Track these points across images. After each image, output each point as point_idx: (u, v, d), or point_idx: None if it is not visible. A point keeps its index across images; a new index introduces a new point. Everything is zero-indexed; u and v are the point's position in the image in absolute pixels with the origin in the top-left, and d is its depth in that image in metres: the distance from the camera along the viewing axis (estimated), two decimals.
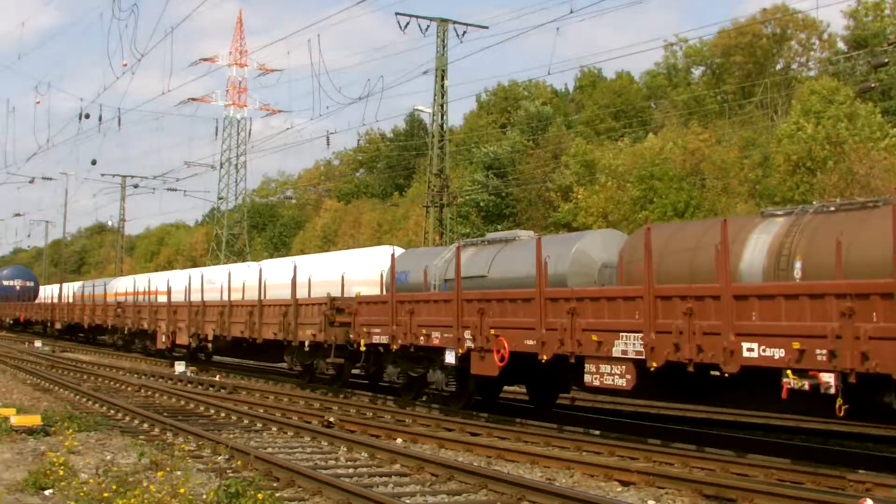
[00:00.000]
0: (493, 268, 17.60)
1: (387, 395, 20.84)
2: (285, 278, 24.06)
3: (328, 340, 20.78)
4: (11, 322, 60.75)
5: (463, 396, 17.85)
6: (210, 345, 29.11)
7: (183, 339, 30.57)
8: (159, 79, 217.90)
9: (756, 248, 13.36)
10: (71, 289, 52.93)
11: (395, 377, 19.29)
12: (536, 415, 17.25)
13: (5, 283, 65.75)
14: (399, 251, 22.46)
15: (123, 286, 41.97)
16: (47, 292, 60.58)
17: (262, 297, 25.01)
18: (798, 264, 12.85)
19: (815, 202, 14.22)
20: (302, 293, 23.02)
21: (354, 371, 21.96)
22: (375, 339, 18.98)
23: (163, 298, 33.45)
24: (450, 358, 16.74)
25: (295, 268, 23.68)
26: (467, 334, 16.19)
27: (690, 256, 13.76)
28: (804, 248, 12.81)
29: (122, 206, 76.99)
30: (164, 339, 32.21)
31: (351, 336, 19.89)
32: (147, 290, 35.93)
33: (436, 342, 17.11)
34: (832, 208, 13.42)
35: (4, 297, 63.28)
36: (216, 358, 32.25)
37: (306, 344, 22.06)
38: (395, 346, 18.20)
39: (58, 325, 50.04)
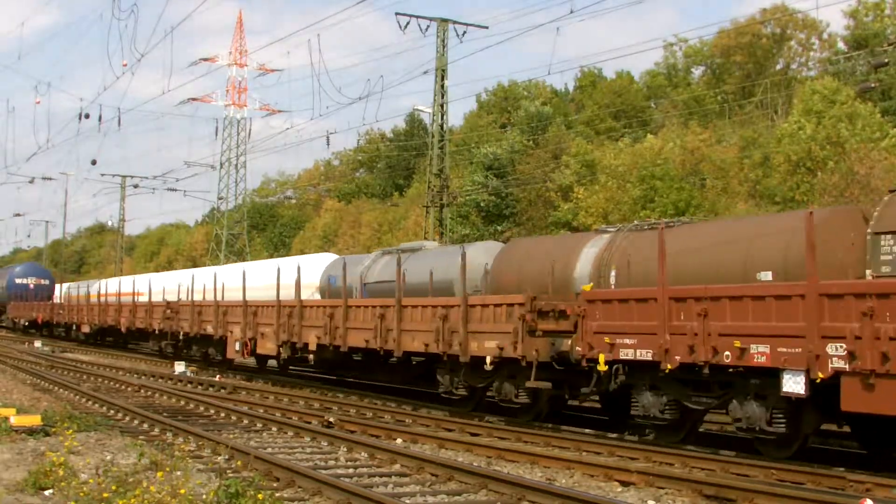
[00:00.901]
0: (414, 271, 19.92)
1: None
2: (238, 283, 26.68)
3: (527, 356, 15.14)
4: (27, 324, 54.81)
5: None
6: (311, 356, 22.85)
7: (268, 348, 24.97)
8: (159, 79, 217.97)
9: (586, 260, 16.13)
10: (98, 287, 45.75)
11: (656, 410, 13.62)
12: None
13: (18, 281, 60.82)
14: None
15: (160, 284, 36.61)
16: (63, 291, 55.54)
17: (400, 296, 18.45)
18: (613, 273, 15.47)
19: (635, 222, 18.38)
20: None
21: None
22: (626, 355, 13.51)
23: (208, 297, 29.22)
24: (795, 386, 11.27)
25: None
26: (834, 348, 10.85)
27: (541, 265, 16.53)
28: (616, 261, 15.52)
29: (122, 206, 77.03)
30: (237, 348, 26.45)
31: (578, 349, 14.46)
32: (195, 290, 30.25)
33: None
34: (645, 227, 16.19)
35: (18, 296, 58.28)
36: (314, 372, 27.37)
37: (488, 361, 15.95)
38: (667, 366, 12.86)
39: (85, 329, 44.07)
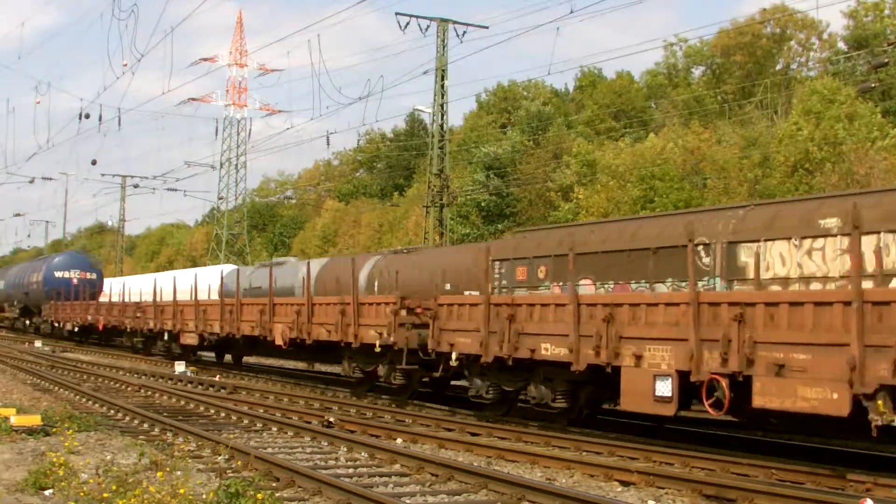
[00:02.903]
0: (285, 279, 26.86)
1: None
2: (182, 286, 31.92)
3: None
4: (74, 330, 44.04)
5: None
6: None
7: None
8: (159, 79, 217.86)
9: (365, 273, 22.90)
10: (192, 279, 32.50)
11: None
12: None
13: (58, 275, 49.47)
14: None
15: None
16: (118, 287, 46.13)
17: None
18: (376, 283, 22.40)
19: (394, 248, 29.23)
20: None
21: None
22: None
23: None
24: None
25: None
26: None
27: (346, 275, 21.23)
28: (377, 275, 22.64)
29: (122, 206, 77.10)
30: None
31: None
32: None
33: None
34: (405, 251, 24.12)
35: (58, 293, 46.39)
36: None
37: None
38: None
39: (188, 340, 30.43)
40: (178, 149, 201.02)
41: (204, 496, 9.23)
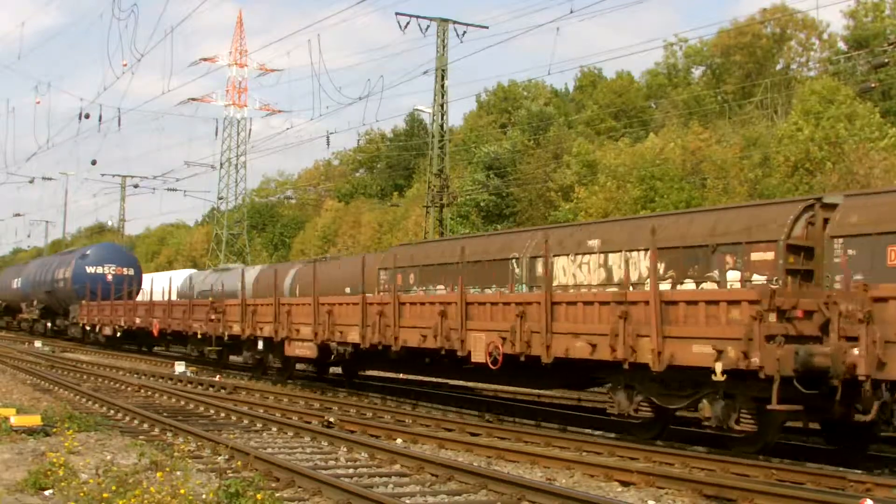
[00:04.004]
0: (216, 285, 32.06)
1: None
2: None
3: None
4: (116, 334, 37.27)
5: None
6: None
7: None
8: (159, 79, 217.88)
9: (289, 279, 28.54)
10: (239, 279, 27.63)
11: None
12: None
13: (90, 270, 43.26)
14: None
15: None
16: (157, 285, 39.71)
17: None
18: (297, 287, 27.24)
19: (312, 257, 35.28)
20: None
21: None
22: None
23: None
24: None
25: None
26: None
27: (277, 281, 25.09)
28: (299, 280, 27.69)
29: (122, 206, 77.11)
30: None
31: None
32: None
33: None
34: (319, 260, 29.45)
35: (91, 292, 39.75)
36: None
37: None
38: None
39: (303, 350, 22.56)
40: (177, 149, 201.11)
41: (204, 496, 9.23)
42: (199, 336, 28.30)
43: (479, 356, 15.70)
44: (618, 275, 14.82)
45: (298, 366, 25.70)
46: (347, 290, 23.63)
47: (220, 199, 73.53)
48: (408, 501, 10.09)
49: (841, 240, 11.97)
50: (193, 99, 72.70)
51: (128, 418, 17.18)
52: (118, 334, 37.13)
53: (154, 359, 33.88)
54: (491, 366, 15.37)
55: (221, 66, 74.09)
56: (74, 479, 10.13)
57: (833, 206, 12.71)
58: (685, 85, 64.41)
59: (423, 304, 17.73)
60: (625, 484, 11.31)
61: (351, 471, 11.98)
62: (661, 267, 13.83)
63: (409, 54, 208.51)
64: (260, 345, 24.79)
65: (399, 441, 14.75)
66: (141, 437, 14.58)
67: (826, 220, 12.74)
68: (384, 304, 18.70)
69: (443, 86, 40.42)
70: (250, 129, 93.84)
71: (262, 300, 24.95)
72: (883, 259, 11.52)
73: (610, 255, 15.28)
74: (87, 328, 40.60)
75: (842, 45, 56.56)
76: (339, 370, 25.27)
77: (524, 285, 17.02)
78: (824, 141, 38.43)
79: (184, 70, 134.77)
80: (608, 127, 59.83)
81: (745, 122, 50.77)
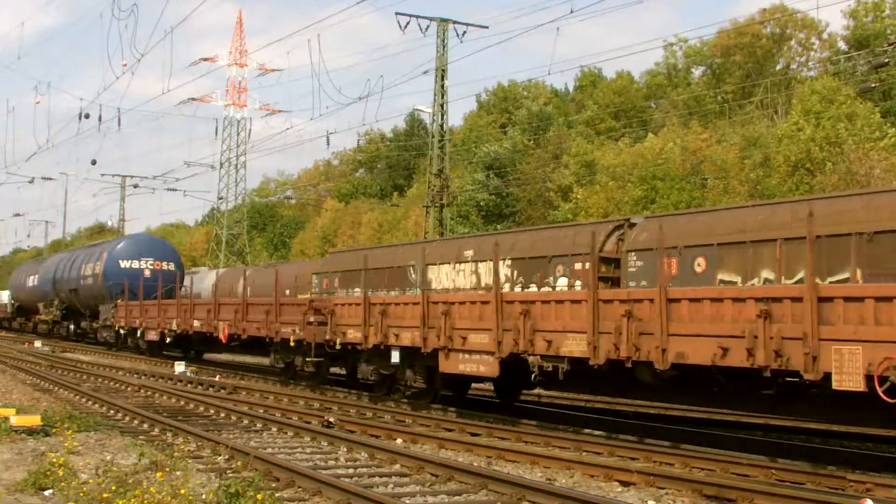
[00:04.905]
0: (196, 285, 35.85)
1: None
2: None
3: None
4: (164, 339, 32.08)
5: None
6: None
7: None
8: (159, 79, 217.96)
9: (241, 281, 30.13)
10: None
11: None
12: None
13: (124, 264, 37.93)
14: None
15: None
16: (202, 282, 36.99)
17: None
18: (249, 289, 28.81)
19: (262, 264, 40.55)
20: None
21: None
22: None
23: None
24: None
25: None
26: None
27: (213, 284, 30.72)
28: (250, 283, 29.61)
29: (122, 206, 77.03)
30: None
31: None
32: None
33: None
34: (267, 266, 32.66)
35: (125, 288, 35.88)
36: None
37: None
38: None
39: (473, 366, 17.05)
40: (177, 149, 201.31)
41: (204, 496, 9.23)
42: (292, 343, 22.65)
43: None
44: (484, 280, 17.67)
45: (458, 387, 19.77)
46: (286, 292, 25.63)
47: (220, 199, 73.52)
48: (408, 501, 10.09)
49: (633, 253, 14.56)
50: (193, 99, 72.69)
51: (128, 418, 17.18)
52: (168, 340, 31.84)
53: (154, 359, 33.83)
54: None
55: (221, 66, 74.10)
56: (74, 479, 10.13)
57: (634, 226, 15.44)
58: (685, 85, 64.39)
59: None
60: (625, 484, 11.31)
61: (351, 471, 11.97)
62: (514, 273, 16.87)
63: (409, 54, 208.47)
64: (394, 357, 19.23)
65: (399, 441, 14.75)
66: (141, 437, 14.58)
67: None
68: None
69: (443, 86, 40.42)
70: (250, 129, 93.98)
71: (404, 298, 19.35)
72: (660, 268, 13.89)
73: (479, 264, 18.00)
74: (123, 332, 36.08)
75: (842, 45, 56.55)
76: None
77: (417, 289, 19.21)
78: (825, 141, 38.42)
79: (184, 70, 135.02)
80: (608, 127, 59.82)
81: (745, 122, 50.76)
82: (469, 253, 18.48)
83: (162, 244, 42.39)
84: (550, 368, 14.78)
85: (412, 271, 20.03)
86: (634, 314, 13.13)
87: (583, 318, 14.00)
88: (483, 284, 17.55)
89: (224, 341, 27.23)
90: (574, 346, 14.17)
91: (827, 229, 11.56)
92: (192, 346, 33.14)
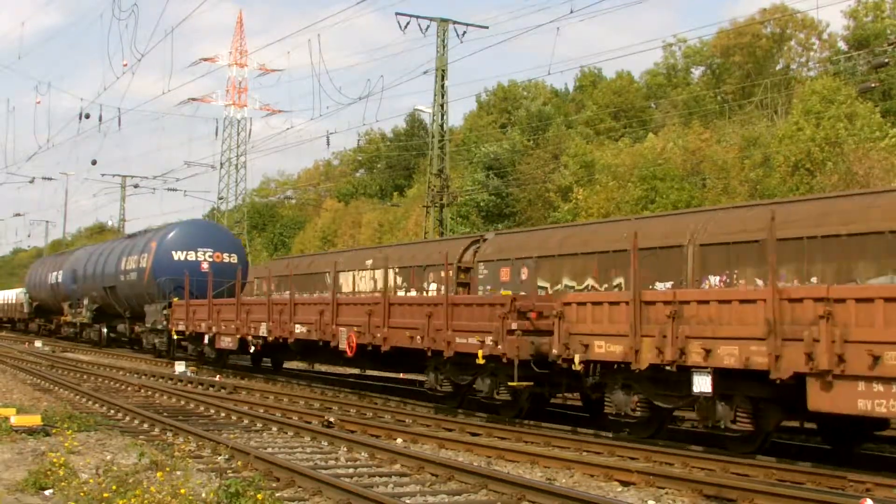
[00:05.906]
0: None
1: None
2: None
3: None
4: (248, 347, 25.08)
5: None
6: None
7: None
8: (159, 79, 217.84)
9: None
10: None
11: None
12: None
13: (178, 255, 31.76)
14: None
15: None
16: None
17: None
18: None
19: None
20: None
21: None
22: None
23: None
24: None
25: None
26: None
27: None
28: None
29: (122, 206, 76.97)
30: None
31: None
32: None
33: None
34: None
35: (181, 285, 29.29)
36: None
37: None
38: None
39: None
40: (177, 149, 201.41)
41: (204, 496, 9.23)
42: (480, 360, 15.87)
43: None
44: (379, 285, 20.74)
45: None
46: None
47: (220, 199, 73.49)
48: (408, 501, 10.09)
49: (482, 263, 19.02)
50: (193, 99, 72.69)
51: (128, 418, 17.18)
52: (252, 348, 25.02)
53: (153, 358, 33.80)
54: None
55: (221, 66, 74.12)
56: (74, 479, 10.13)
57: (486, 241, 20.98)
58: (685, 85, 64.39)
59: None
60: (625, 484, 11.31)
61: (351, 470, 11.97)
62: (399, 279, 20.99)
63: (409, 54, 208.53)
64: (699, 385, 12.43)
65: (399, 441, 14.75)
66: (141, 436, 14.59)
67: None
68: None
69: (443, 86, 40.43)
70: (250, 129, 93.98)
71: (727, 293, 13.22)
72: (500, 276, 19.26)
73: (376, 272, 21.89)
74: (177, 337, 29.63)
75: (842, 45, 56.54)
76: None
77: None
78: (825, 141, 38.43)
79: (184, 70, 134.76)
80: (608, 127, 59.82)
81: (744, 122, 50.76)
82: (369, 262, 24.01)
83: (222, 232, 35.77)
84: None
85: (328, 277, 24.38)
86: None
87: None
88: (378, 288, 22.10)
89: (350, 353, 20.14)
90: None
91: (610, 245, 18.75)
92: (285, 354, 26.31)
